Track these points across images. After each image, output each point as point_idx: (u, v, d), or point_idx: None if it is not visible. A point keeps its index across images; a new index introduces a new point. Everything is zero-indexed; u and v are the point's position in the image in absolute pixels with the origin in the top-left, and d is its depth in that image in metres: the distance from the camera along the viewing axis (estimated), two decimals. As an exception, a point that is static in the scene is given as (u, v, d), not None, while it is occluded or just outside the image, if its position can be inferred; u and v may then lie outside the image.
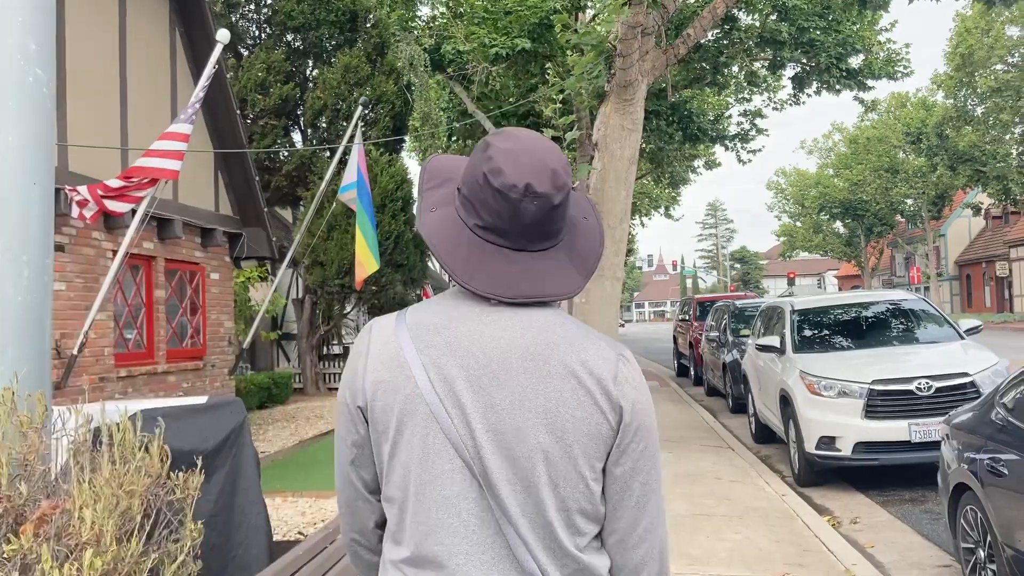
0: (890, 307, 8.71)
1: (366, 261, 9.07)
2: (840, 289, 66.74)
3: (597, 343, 1.25)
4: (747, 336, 13.24)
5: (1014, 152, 34.98)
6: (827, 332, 8.50)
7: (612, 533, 1.25)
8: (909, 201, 44.58)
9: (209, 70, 6.40)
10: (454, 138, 20.42)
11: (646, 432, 1.25)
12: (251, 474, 3.43)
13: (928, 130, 37.70)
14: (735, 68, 18.14)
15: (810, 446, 7.15)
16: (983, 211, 42.42)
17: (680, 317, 21.23)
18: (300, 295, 16.95)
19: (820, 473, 7.38)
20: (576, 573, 1.21)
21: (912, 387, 6.80)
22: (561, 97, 8.56)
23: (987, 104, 34.56)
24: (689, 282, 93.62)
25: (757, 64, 17.90)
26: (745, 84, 19.23)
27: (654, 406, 1.29)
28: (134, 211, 6.55)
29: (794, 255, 60.16)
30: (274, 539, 3.95)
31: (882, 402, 6.86)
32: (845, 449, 6.93)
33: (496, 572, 1.18)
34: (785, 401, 7.85)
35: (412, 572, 1.21)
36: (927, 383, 6.79)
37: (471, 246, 1.25)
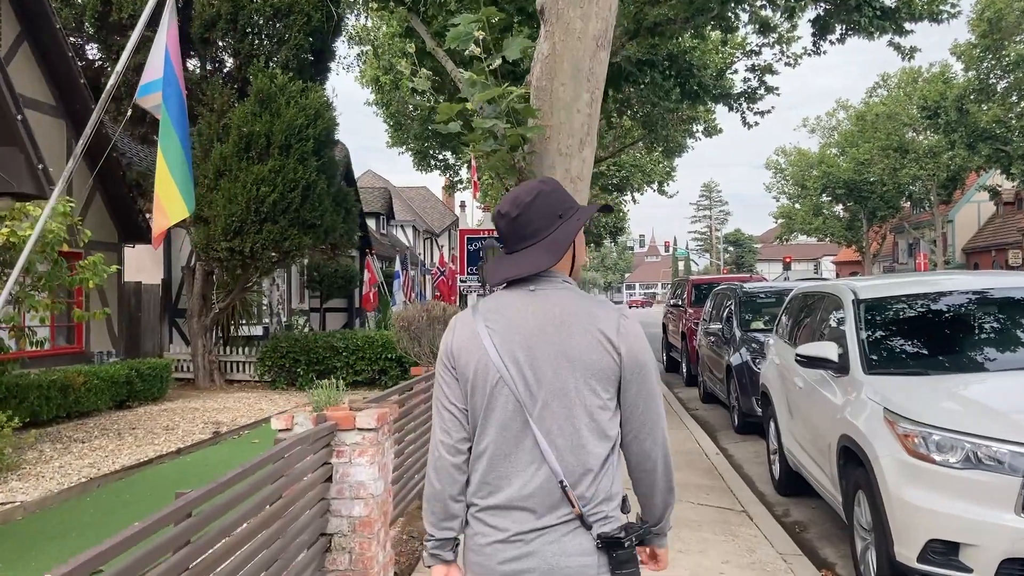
0: (1016, 299, 5.35)
1: (169, 205, 5.68)
2: (838, 275, 63.37)
3: (604, 308, 1.90)
4: (761, 331, 9.95)
5: (1042, 130, 31.69)
6: (922, 341, 5.14)
7: (628, 432, 1.90)
8: (918, 184, 41.36)
9: None
10: (419, 91, 17.02)
11: (642, 365, 1.88)
12: None
13: (948, 103, 34.34)
14: (747, 4, 14.94)
15: (909, 552, 3.87)
16: (997, 195, 39.24)
17: (672, 302, 17.80)
18: (193, 262, 13.44)
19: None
20: (591, 462, 1.83)
21: (1123, 458, 3.51)
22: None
23: (1015, 75, 31.25)
24: (681, 264, 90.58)
25: (775, -1, 14.60)
26: (761, 18, 15.90)
27: None
28: None
29: (792, 238, 56.79)
30: None
31: (1060, 484, 3.56)
32: (981, 569, 3.65)
33: (532, 464, 1.82)
34: (850, 457, 4.56)
35: (481, 463, 1.88)
36: None
37: (497, 258, 2.02)
